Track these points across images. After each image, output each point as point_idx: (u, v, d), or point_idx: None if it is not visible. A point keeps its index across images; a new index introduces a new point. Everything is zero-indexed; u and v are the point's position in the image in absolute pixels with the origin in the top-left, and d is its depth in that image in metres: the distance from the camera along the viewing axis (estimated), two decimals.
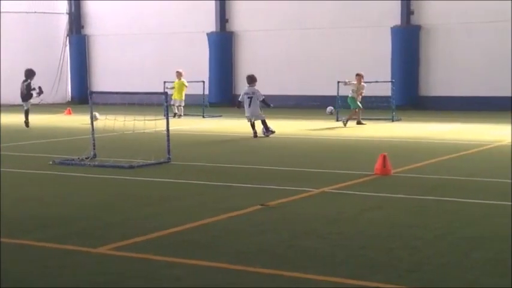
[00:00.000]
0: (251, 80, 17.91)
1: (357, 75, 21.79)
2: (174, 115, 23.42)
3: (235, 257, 6.01)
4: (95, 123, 12.76)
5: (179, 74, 24.82)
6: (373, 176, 10.42)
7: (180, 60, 31.16)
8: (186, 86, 24.53)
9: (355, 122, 20.88)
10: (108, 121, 13.47)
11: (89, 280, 5.37)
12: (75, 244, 6.46)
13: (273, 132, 16.96)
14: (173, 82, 24.51)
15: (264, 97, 17.79)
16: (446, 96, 27.77)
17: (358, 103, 21.16)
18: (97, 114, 20.92)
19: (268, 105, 17.87)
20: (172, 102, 23.56)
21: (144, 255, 6.01)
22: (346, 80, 21.87)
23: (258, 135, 16.81)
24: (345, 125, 20.30)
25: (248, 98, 17.54)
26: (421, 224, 7.25)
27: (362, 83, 21.70)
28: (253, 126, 17.13)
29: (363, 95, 21.48)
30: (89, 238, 6.71)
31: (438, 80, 28.06)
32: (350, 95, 21.50)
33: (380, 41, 28.41)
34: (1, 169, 11.27)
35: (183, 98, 24.49)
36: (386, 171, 10.54)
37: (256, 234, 6.85)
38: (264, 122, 17.24)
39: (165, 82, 24.96)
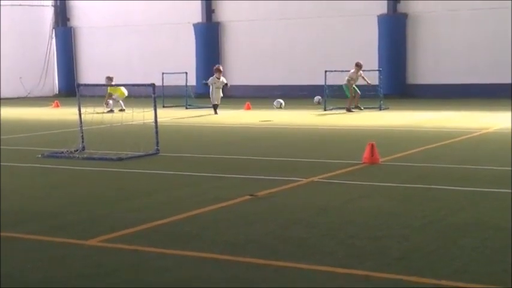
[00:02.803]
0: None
1: (356, 64, 21.95)
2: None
3: (225, 247, 6.03)
4: (90, 115, 12.66)
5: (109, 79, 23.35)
6: (361, 165, 10.47)
7: (166, 51, 31.12)
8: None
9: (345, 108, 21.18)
10: (96, 114, 13.44)
11: (79, 272, 5.38)
12: (65, 236, 6.47)
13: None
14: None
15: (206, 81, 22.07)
16: (434, 84, 27.89)
17: (356, 88, 21.46)
18: (111, 102, 20.93)
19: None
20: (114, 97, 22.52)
21: (134, 247, 6.03)
22: (349, 78, 22.04)
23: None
24: (349, 110, 20.85)
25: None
26: (409, 212, 7.29)
27: (360, 73, 21.87)
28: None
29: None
30: (79, 231, 6.71)
31: (425, 68, 28.16)
32: (345, 83, 21.70)
33: (367, 30, 28.48)
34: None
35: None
36: (374, 160, 10.58)
37: (245, 224, 6.88)
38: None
39: (163, 73, 24.81)
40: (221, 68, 22.38)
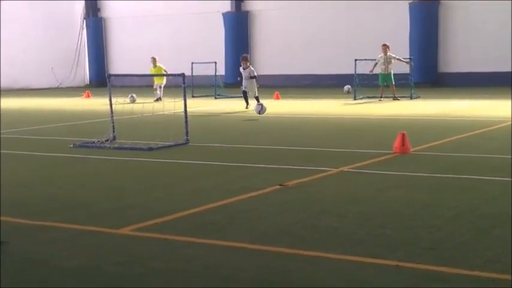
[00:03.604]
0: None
1: (383, 45, 21.85)
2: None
3: (254, 237, 6.04)
4: (121, 106, 12.76)
5: (154, 60, 23.92)
6: (392, 155, 10.41)
7: (196, 41, 31.17)
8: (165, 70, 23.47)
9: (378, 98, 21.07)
10: (127, 104, 13.52)
11: (112, 260, 5.43)
12: (96, 225, 6.53)
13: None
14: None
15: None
16: (466, 73, 27.60)
17: (392, 77, 21.36)
18: (135, 96, 21.02)
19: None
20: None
21: (164, 236, 6.06)
22: (371, 70, 21.92)
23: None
24: (397, 99, 20.77)
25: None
26: (441, 202, 7.24)
27: (389, 53, 21.72)
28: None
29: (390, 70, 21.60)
30: (110, 220, 6.77)
31: (457, 56, 27.88)
32: (380, 72, 21.62)
33: (397, 17, 28.24)
34: (18, 152, 11.38)
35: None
36: (405, 150, 10.51)
37: (275, 214, 6.88)
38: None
39: (192, 63, 24.82)
40: (247, 57, 20.70)
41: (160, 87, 22.53)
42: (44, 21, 34.80)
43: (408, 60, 22.34)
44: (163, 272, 5.13)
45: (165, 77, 22.44)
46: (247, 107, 19.27)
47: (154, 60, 23.71)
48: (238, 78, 20.15)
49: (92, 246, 5.90)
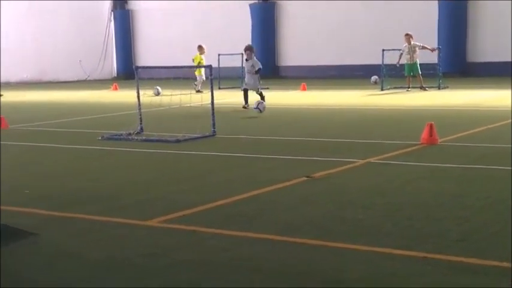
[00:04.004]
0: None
1: (406, 35, 21.73)
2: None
3: (281, 228, 6.05)
4: (148, 98, 12.83)
5: (200, 48, 24.29)
6: (420, 146, 10.35)
7: (222, 32, 31.18)
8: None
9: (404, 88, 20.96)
10: (152, 96, 13.57)
11: (140, 252, 5.47)
12: (124, 217, 6.58)
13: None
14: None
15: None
16: (495, 62, 27.30)
17: (418, 67, 21.20)
18: (160, 89, 21.10)
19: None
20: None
21: (192, 227, 6.09)
22: (397, 62, 21.80)
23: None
24: (425, 89, 20.64)
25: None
26: (469, 193, 7.19)
27: (413, 42, 21.58)
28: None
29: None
30: (138, 211, 6.81)
31: (486, 46, 27.57)
32: (406, 62, 21.50)
33: (426, 7, 27.98)
34: (47, 145, 11.49)
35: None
36: (433, 141, 10.45)
37: (302, 206, 6.88)
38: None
39: (219, 55, 24.89)
40: (251, 47, 18.43)
41: (200, 79, 22.92)
42: (71, 14, 35.03)
43: (433, 47, 22.13)
44: (190, 263, 5.16)
45: (203, 69, 22.68)
46: (245, 107, 16.84)
47: (201, 48, 24.05)
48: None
49: (120, 238, 5.95)
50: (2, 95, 24.33)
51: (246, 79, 17.59)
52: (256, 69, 17.28)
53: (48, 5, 34.33)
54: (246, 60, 17.70)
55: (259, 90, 17.32)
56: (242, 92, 17.38)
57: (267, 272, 4.94)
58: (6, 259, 5.44)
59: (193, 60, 23.91)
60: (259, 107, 15.74)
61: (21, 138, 12.78)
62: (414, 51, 21.61)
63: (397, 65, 21.75)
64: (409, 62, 21.63)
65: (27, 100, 23.21)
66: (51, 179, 8.79)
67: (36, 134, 13.61)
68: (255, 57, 17.67)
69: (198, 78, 23.01)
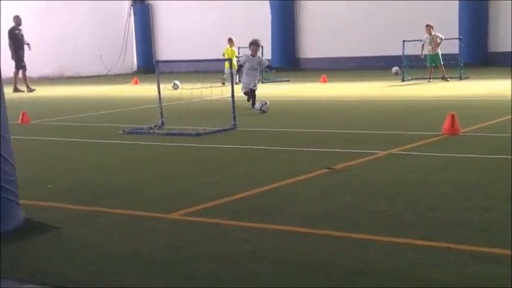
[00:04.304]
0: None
1: (426, 26, 21.62)
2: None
3: (303, 220, 6.06)
4: (169, 92, 12.86)
5: (231, 41, 24.53)
6: (441, 136, 10.31)
7: (242, 25, 31.16)
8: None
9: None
10: (170, 90, 13.60)
11: (164, 245, 5.51)
12: (147, 210, 6.62)
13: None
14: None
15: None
16: None
17: (440, 57, 21.07)
18: (178, 83, 21.14)
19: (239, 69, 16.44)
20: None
21: (215, 220, 6.12)
22: (421, 54, 21.69)
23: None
24: (446, 79, 20.51)
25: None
26: (491, 184, 7.16)
27: (434, 33, 21.45)
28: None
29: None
30: (161, 204, 6.86)
31: (508, 35, 27.31)
32: (428, 52, 21.38)
33: None
34: (69, 139, 11.58)
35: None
36: (454, 131, 10.40)
37: (323, 197, 6.89)
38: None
39: (239, 48, 24.93)
40: (258, 42, 16.43)
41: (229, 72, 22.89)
42: (92, 9, 35.18)
43: (440, 39, 21.88)
44: (213, 255, 5.19)
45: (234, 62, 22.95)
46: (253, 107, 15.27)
47: (231, 40, 24.32)
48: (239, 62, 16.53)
49: (142, 231, 5.99)
50: (34, 90, 24.57)
51: (245, 79, 15.80)
52: (266, 65, 16.54)
53: (69, 1, 34.49)
54: (252, 56, 15.94)
55: (256, 87, 15.88)
56: (246, 96, 15.73)
57: (290, 264, 4.96)
58: (29, 253, 5.51)
59: (223, 54, 24.07)
60: (263, 109, 14.49)
61: (43, 133, 12.89)
62: (435, 42, 21.48)
63: (422, 57, 21.64)
64: (431, 53, 21.51)
65: (49, 95, 23.37)
66: (73, 173, 8.86)
67: (58, 128, 13.71)
68: (259, 54, 16.51)
69: (226, 71, 22.96)
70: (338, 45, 30.34)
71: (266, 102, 14.61)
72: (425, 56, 21.78)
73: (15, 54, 24.59)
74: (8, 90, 23.69)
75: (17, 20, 25.00)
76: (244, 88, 15.68)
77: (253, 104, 15.12)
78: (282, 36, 31.06)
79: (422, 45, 21.66)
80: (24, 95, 23.62)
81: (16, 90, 24.55)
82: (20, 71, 24.84)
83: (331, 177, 7.84)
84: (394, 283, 4.49)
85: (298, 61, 31.69)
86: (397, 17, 28.89)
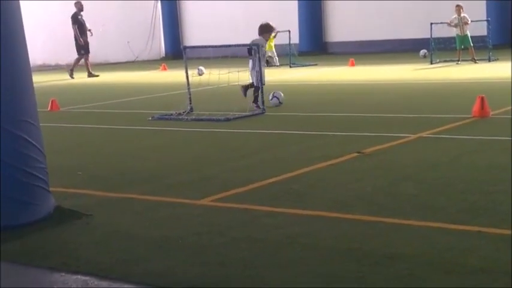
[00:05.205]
0: (259, 29, 13.69)
1: (456, 6, 21.37)
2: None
3: (334, 205, 6.06)
4: (197, 77, 12.80)
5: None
6: (471, 119, 10.22)
7: (269, 9, 31.03)
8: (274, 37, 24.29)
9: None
10: (204, 75, 13.59)
11: (194, 230, 5.54)
12: (177, 197, 6.66)
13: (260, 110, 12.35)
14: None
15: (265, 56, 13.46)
16: None
17: (470, 39, 20.85)
18: (203, 69, 21.17)
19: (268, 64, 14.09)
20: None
21: (244, 206, 6.15)
22: (449, 22, 21.43)
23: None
24: (476, 61, 20.33)
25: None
26: None
27: (463, 14, 21.20)
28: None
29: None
30: (191, 190, 6.89)
31: None
32: (456, 33, 21.16)
33: None
34: (99, 126, 11.67)
35: (272, 48, 24.30)
36: (484, 114, 10.31)
37: (354, 181, 6.88)
38: (255, 90, 12.73)
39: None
40: (273, 26, 14.18)
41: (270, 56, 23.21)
42: None
43: (466, 23, 21.57)
44: (244, 241, 5.21)
45: (272, 45, 23.54)
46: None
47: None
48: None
49: (173, 217, 6.02)
50: (98, 75, 24.79)
51: (260, 68, 12.62)
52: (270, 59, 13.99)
53: None
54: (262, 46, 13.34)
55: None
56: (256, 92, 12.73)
57: (321, 249, 4.96)
58: (60, 240, 5.57)
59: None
60: (280, 100, 13.15)
61: (72, 120, 13.00)
62: (465, 23, 21.23)
63: (451, 25, 21.37)
64: (461, 34, 21.28)
65: (77, 82, 23.53)
66: (103, 160, 8.93)
67: (87, 115, 13.82)
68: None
69: (269, 53, 23.06)
70: (365, 28, 30.11)
71: (279, 92, 13.27)
72: (453, 37, 21.55)
73: (79, 39, 24.77)
74: (79, 75, 24.08)
75: (79, 6, 25.20)
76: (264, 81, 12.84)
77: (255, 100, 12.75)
78: (309, 20, 30.89)
79: (449, 23, 21.39)
80: (59, 82, 23.80)
81: (90, 75, 24.74)
82: (81, 57, 25.04)
83: (361, 161, 7.82)
84: (426, 267, 4.48)
85: (326, 45, 31.52)
86: (425, 0, 28.58)
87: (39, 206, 5.94)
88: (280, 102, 13.16)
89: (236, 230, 5.51)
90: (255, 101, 12.59)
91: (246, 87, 12.96)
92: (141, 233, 5.61)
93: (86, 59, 25.04)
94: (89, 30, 25.13)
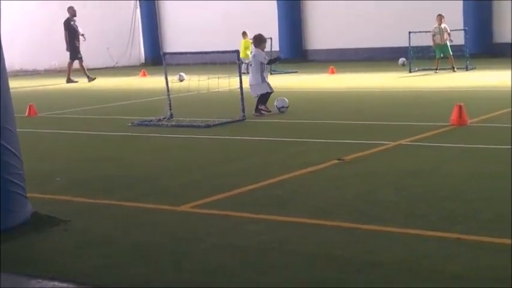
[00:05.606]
0: (256, 40, 13.76)
1: (438, 15, 21.55)
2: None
3: (314, 211, 6.08)
4: (177, 83, 12.80)
5: (245, 34, 24.88)
6: (450, 127, 10.30)
7: (249, 17, 31.09)
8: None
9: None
10: (184, 81, 13.57)
11: (175, 237, 5.53)
12: (157, 203, 6.64)
13: (266, 112, 12.90)
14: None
15: (267, 58, 13.45)
16: None
17: (449, 48, 21.01)
18: (184, 75, 21.18)
19: (276, 60, 14.59)
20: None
21: (226, 212, 6.15)
22: (432, 33, 21.62)
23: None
24: (455, 70, 20.58)
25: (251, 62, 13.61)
26: (500, 174, 7.15)
27: (444, 25, 21.38)
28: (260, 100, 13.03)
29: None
30: (171, 197, 6.88)
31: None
32: (437, 42, 21.32)
33: None
34: (78, 132, 11.61)
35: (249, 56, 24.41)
36: (462, 122, 10.39)
37: (334, 188, 6.90)
38: (258, 100, 13.02)
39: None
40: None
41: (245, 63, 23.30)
42: (98, 1, 35.12)
43: (447, 35, 21.78)
44: (225, 248, 5.21)
45: (249, 53, 23.37)
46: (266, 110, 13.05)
47: (245, 34, 24.55)
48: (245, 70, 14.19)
49: (153, 224, 6.01)
50: (94, 79, 24.73)
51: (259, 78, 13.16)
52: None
53: None
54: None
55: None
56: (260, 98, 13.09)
57: (302, 255, 4.97)
58: (37, 247, 5.53)
59: (240, 46, 24.27)
60: (285, 105, 13.11)
61: (50, 126, 12.93)
62: (444, 33, 21.42)
63: (434, 43, 21.60)
64: (440, 43, 21.45)
65: (56, 88, 23.39)
66: (82, 166, 8.88)
67: (66, 121, 13.74)
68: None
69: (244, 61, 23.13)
70: (345, 36, 30.23)
71: (284, 99, 13.26)
72: (432, 46, 21.72)
73: (71, 45, 24.67)
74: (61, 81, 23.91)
75: (72, 11, 25.10)
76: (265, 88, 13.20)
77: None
78: (289, 28, 30.96)
79: (433, 35, 21.56)
80: (37, 88, 23.66)
81: (69, 81, 24.62)
82: (77, 62, 24.96)
83: (341, 168, 7.85)
84: (405, 274, 4.51)
85: (306, 52, 31.61)
86: (403, 9, 28.77)
87: (17, 213, 5.89)
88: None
89: (217, 236, 5.51)
90: (259, 107, 12.87)
91: (257, 107, 13.00)
92: (120, 239, 5.59)
93: (70, 64, 24.97)
94: (82, 35, 25.07)
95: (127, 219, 6.17)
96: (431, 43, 21.81)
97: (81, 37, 25.03)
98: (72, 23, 24.85)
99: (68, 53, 24.82)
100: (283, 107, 13.11)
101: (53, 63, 34.81)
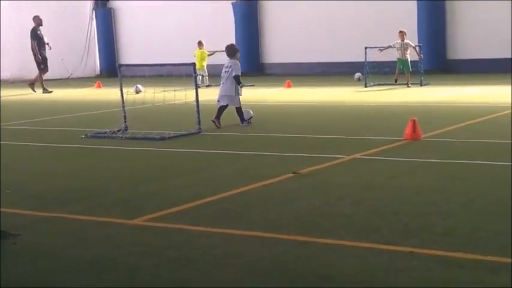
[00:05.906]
0: (230, 51, 13.88)
1: (400, 32, 21.85)
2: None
3: (269, 225, 6.06)
4: (132, 95, 12.72)
5: (200, 44, 25.03)
6: (404, 141, 10.40)
7: (205, 30, 31.10)
8: (208, 55, 24.84)
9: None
10: (132, 94, 13.46)
11: (125, 251, 5.46)
12: (109, 216, 6.56)
13: (249, 122, 13.12)
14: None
15: (237, 74, 13.53)
16: (476, 59, 27.39)
17: (409, 64, 21.29)
18: (140, 87, 21.05)
19: (238, 83, 13.70)
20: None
21: (180, 226, 6.09)
22: (381, 48, 21.87)
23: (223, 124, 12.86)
24: (409, 86, 21.06)
25: (225, 72, 13.60)
26: (453, 188, 7.25)
27: (406, 40, 21.69)
28: (220, 111, 12.99)
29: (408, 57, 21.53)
30: (124, 210, 6.80)
31: (466, 42, 27.68)
32: (398, 57, 21.60)
33: (406, 4, 28.06)
34: (30, 143, 11.44)
35: (204, 68, 24.64)
36: (416, 136, 10.50)
37: (289, 202, 6.90)
38: (239, 110, 13.21)
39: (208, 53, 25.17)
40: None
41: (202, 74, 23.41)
42: (53, 12, 34.78)
43: (420, 52, 22.21)
44: (179, 262, 5.16)
45: (204, 65, 24.02)
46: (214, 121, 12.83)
47: (200, 43, 24.82)
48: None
49: (105, 237, 5.92)
50: (51, 92, 24.39)
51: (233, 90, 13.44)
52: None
53: (29, 3, 34.06)
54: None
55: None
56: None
57: (257, 269, 4.95)
58: None
59: (195, 55, 24.29)
60: (250, 120, 13.16)
61: (2, 138, 12.69)
62: (406, 49, 21.71)
63: (379, 51, 21.87)
64: (402, 58, 21.75)
65: (9, 99, 23.04)
66: (33, 179, 8.74)
67: (18, 133, 13.50)
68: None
69: (200, 72, 23.22)
70: (302, 50, 30.42)
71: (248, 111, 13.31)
72: (387, 61, 22.00)
73: (39, 55, 24.31)
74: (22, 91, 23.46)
75: (38, 20, 24.77)
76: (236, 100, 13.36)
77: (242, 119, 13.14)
78: (246, 41, 31.01)
79: (390, 46, 21.82)
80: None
81: (45, 91, 24.27)
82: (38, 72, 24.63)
83: (296, 181, 7.86)
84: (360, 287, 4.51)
85: (263, 66, 31.72)
86: (359, 24, 29.08)
87: None
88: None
89: (170, 250, 5.46)
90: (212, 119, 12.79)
91: (241, 117, 13.16)
92: (71, 253, 5.49)
93: (41, 74, 24.69)
94: (47, 44, 24.80)
95: (77, 233, 6.07)
96: (386, 59, 22.08)
97: (46, 46, 24.77)
98: (38, 32, 24.59)
99: (35, 63, 24.56)
100: (251, 117, 13.28)
101: (8, 74, 34.36)
